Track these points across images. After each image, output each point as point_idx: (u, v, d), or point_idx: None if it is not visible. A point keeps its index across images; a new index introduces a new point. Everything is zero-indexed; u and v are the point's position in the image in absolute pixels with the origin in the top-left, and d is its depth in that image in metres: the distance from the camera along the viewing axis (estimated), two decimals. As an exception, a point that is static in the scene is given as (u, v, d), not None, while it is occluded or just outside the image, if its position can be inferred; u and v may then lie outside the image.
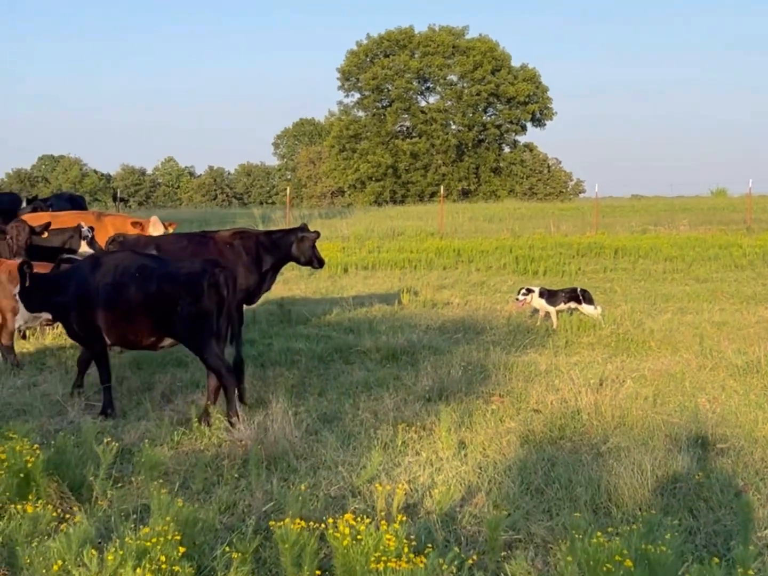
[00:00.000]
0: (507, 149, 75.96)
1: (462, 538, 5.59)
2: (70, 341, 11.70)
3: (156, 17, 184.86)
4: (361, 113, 75.49)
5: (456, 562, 4.76)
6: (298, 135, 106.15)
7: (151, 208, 78.35)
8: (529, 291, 13.54)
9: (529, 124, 74.33)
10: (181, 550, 4.69)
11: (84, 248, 12.71)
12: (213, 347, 8.06)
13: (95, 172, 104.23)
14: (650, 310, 14.89)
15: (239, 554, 4.80)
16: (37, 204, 15.79)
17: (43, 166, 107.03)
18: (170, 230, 14.62)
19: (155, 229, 14.36)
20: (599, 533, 4.87)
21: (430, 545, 5.14)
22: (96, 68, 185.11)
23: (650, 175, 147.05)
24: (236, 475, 6.56)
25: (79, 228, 12.94)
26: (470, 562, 4.94)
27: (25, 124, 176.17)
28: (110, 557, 4.54)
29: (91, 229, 13.04)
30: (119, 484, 6.21)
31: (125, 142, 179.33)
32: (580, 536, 4.93)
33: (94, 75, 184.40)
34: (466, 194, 69.77)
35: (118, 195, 38.49)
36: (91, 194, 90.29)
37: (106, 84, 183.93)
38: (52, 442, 6.47)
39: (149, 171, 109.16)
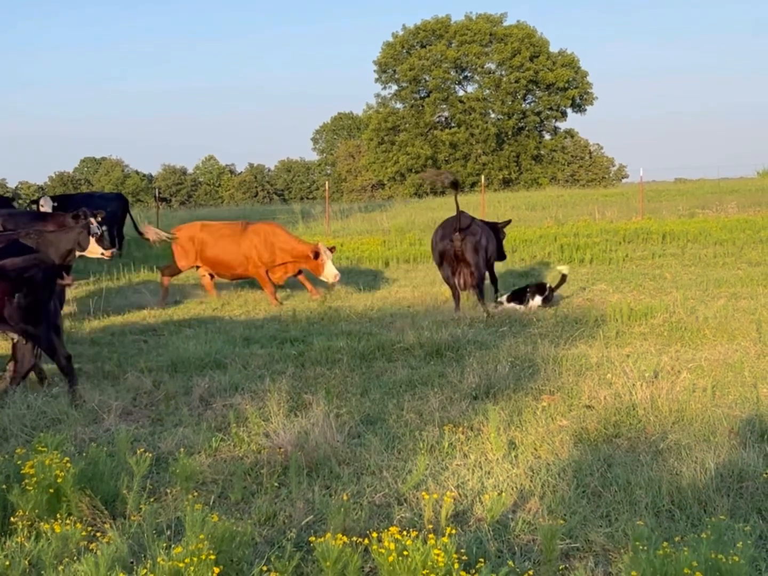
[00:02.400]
0: (547, 136, 75.17)
1: (516, 549, 5.23)
2: (106, 348, 11.56)
3: (194, 18, 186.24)
4: (398, 105, 75.21)
5: (510, 577, 4.43)
6: (337, 129, 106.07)
7: (193, 207, 78.58)
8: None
9: (569, 110, 73.40)
10: (216, 570, 4.41)
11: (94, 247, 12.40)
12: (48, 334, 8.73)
13: (137, 172, 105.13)
14: (703, 296, 14.38)
15: (278, 574, 4.50)
16: (82, 211, 14.45)
17: (86, 169, 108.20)
18: None
19: None
20: (665, 543, 4.51)
21: (482, 558, 4.82)
22: (134, 70, 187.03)
23: (693, 158, 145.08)
24: (276, 484, 6.26)
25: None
26: (526, 576, 4.60)
27: (68, 127, 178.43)
28: (140, 581, 4.28)
29: (101, 224, 12.82)
30: (154, 497, 5.94)
31: (166, 141, 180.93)
32: (644, 546, 4.56)
33: (133, 76, 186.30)
34: (507, 183, 69.09)
35: (158, 195, 38.37)
36: (134, 195, 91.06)
37: (145, 85, 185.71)
38: (85, 454, 6.22)
39: (190, 170, 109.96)
